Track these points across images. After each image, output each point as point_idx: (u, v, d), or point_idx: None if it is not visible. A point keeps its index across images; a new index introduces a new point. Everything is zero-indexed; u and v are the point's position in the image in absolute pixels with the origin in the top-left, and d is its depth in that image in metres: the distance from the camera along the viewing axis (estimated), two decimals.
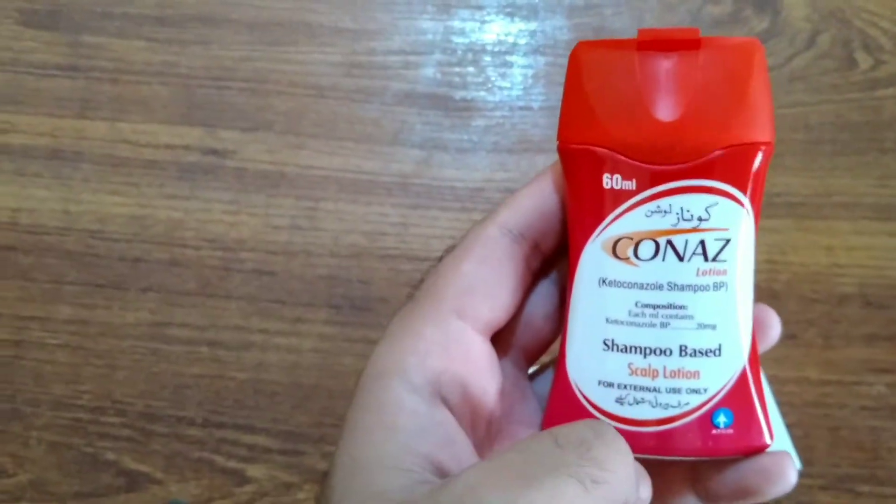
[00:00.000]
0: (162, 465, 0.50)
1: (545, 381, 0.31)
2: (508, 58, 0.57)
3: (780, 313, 0.51)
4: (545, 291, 0.29)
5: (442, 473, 0.24)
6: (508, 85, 0.57)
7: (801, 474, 0.48)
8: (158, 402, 0.51)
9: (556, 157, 0.56)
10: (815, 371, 0.51)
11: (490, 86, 0.57)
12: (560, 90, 0.58)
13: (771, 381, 0.50)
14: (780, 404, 0.50)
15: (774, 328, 0.28)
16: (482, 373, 0.27)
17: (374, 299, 0.53)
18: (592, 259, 0.27)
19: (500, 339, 0.29)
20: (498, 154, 0.56)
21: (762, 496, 0.27)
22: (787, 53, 0.56)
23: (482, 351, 0.27)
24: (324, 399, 0.51)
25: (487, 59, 0.57)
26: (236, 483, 0.50)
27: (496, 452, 0.28)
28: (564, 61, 0.57)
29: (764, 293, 0.52)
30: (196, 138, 0.56)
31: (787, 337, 0.53)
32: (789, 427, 0.49)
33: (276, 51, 0.57)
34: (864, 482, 0.49)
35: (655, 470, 0.27)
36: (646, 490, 0.26)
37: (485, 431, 0.28)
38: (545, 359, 0.33)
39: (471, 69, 0.57)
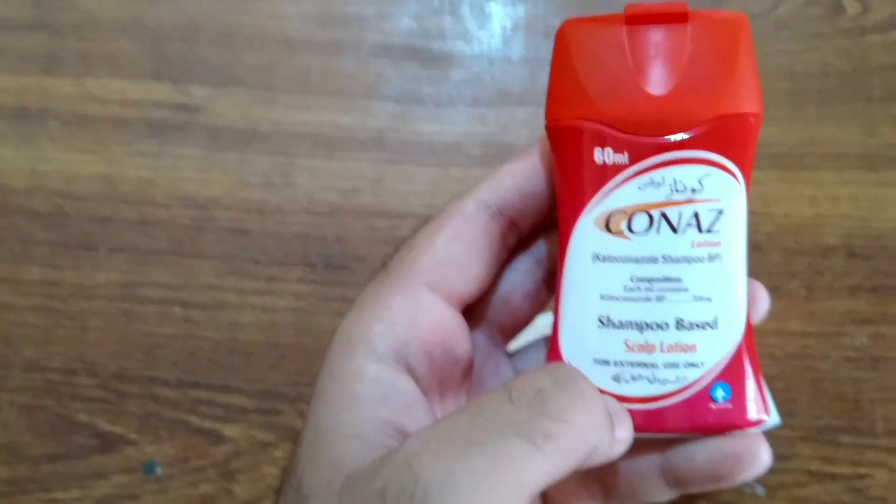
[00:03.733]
0: (136, 426, 0.49)
1: (528, 360, 0.31)
2: (487, 7, 0.56)
3: (762, 266, 0.51)
4: (525, 269, 0.29)
5: (403, 437, 0.24)
6: (487, 36, 0.56)
7: (783, 426, 0.48)
8: (131, 362, 0.50)
9: (535, 109, 0.55)
10: (797, 323, 0.50)
11: (468, 37, 0.56)
12: (540, 41, 0.57)
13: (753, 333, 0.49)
14: (762, 356, 0.49)
15: (763, 302, 0.28)
16: (451, 344, 0.27)
17: (350, 257, 0.52)
18: (585, 234, 0.27)
19: (473, 314, 0.29)
20: (476, 107, 0.55)
21: (733, 480, 0.26)
22: (772, 0, 0.55)
23: (452, 323, 0.27)
24: (300, 358, 0.50)
25: (465, 9, 0.56)
26: (212, 443, 0.49)
27: (449, 413, 0.28)
28: (544, 11, 0.55)
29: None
30: (165, 94, 0.55)
31: (770, 289, 0.52)
32: (770, 380, 0.48)
33: (246, 2, 0.55)
34: (845, 433, 0.48)
35: (624, 461, 0.27)
36: (624, 430, 0.25)
37: (453, 403, 0.28)
38: (529, 338, 0.32)
39: (448, 19, 0.56)
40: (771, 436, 0.47)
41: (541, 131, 0.54)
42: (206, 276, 0.52)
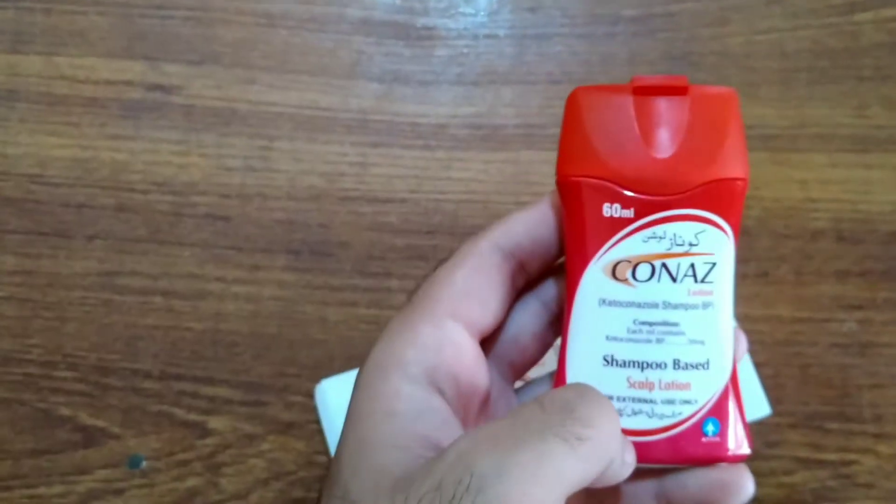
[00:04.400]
0: (119, 419, 0.49)
1: (530, 397, 0.32)
2: None
3: (751, 250, 0.50)
4: (533, 311, 0.32)
5: (440, 451, 0.26)
6: (473, 11, 0.54)
7: (771, 413, 0.48)
8: (112, 354, 0.49)
9: (522, 88, 0.54)
10: (786, 309, 0.50)
11: (453, 12, 0.54)
12: (526, 16, 0.55)
13: (742, 319, 0.49)
14: (751, 342, 0.49)
15: (742, 343, 0.30)
16: (473, 371, 0.29)
17: (335, 244, 0.51)
18: (593, 281, 0.29)
19: (486, 350, 0.31)
20: (462, 86, 0.53)
21: None
22: None
23: (474, 352, 0.29)
24: (285, 349, 0.49)
25: None
26: (198, 436, 0.48)
27: (486, 423, 0.30)
28: None
29: None
30: (139, 73, 0.52)
31: (759, 274, 0.52)
32: (759, 367, 0.48)
33: None
34: (832, 419, 0.49)
35: (621, 486, 0.29)
36: (630, 455, 0.28)
37: (473, 428, 0.29)
38: (532, 374, 0.34)
39: None
40: (759, 422, 0.47)
41: (527, 112, 0.52)
42: (187, 264, 0.50)
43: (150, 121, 0.52)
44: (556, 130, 0.52)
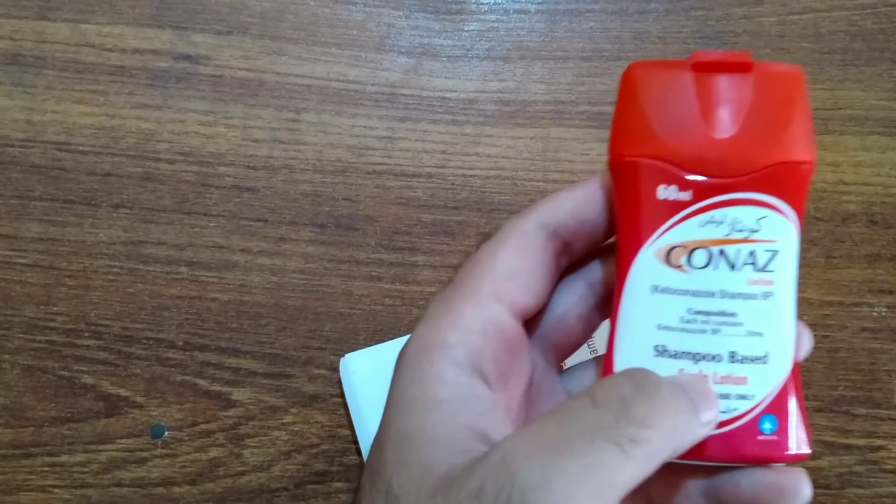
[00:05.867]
0: (142, 388, 0.48)
1: (576, 381, 0.32)
2: None
3: None
4: (579, 292, 0.30)
5: (485, 440, 0.25)
6: None
7: None
8: (136, 324, 0.49)
9: (552, 64, 0.53)
10: (816, 292, 0.49)
11: None
12: None
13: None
14: None
15: (806, 342, 0.29)
16: (516, 355, 0.28)
17: (361, 218, 0.50)
18: (645, 267, 0.28)
19: (530, 331, 0.30)
20: (492, 62, 0.53)
21: None
22: None
23: (517, 334, 0.28)
24: (310, 321, 0.49)
25: None
26: (221, 407, 0.48)
27: (535, 417, 0.29)
28: None
29: None
30: (167, 42, 0.52)
31: None
32: None
33: None
34: (860, 404, 0.48)
35: (671, 481, 0.28)
36: (708, 412, 0.26)
37: (516, 411, 0.29)
38: (577, 358, 0.33)
39: None
40: None
41: (557, 89, 0.52)
42: (213, 235, 0.50)
43: (177, 90, 0.52)
44: (586, 107, 0.52)
